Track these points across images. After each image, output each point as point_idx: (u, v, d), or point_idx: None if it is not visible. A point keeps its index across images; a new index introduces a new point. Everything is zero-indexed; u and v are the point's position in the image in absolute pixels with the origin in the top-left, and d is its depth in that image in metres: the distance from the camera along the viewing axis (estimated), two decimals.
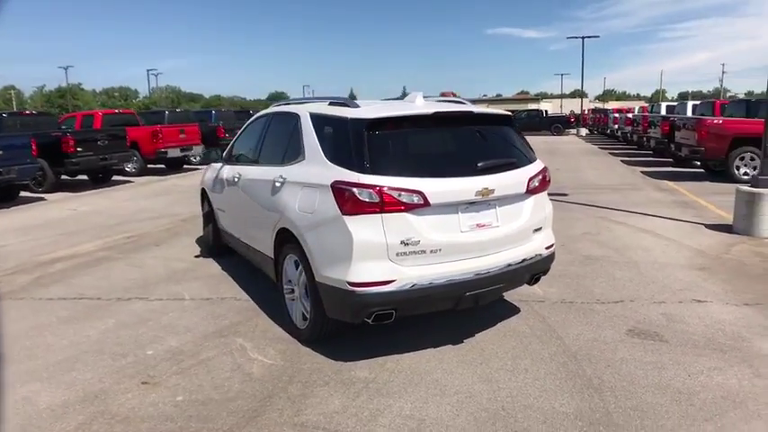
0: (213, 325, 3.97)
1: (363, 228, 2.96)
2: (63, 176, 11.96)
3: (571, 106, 60.25)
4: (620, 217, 7.55)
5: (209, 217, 5.78)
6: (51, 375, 3.23)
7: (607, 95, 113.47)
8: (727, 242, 5.95)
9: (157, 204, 9.68)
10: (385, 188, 2.94)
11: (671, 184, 10.76)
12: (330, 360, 3.33)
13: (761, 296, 4.25)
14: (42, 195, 11.27)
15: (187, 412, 2.78)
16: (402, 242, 2.98)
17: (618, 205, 8.43)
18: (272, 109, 4.68)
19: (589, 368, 3.16)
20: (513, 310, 4.10)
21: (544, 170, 3.63)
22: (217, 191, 5.44)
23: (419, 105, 3.57)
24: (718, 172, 11.15)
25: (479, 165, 3.25)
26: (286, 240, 3.71)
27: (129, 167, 13.61)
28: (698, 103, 16.73)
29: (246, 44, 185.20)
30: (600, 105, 73.37)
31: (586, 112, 44.55)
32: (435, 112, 3.32)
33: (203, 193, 6.07)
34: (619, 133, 23.30)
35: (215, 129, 16.56)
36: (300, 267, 3.49)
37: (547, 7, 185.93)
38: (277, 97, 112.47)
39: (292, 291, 3.73)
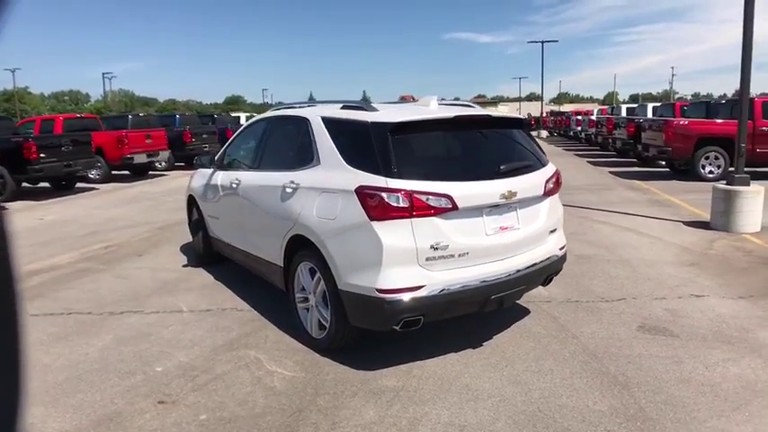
0: (220, 338, 3.82)
1: (393, 233, 2.91)
2: (23, 184, 11.32)
3: (528, 109, 61.75)
4: (601, 216, 7.76)
5: (199, 225, 5.58)
6: (55, 398, 3.01)
7: (561, 98, 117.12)
8: (708, 238, 6.22)
9: (129, 212, 9.29)
10: (415, 192, 2.90)
11: (641, 183, 11.18)
12: (353, 369, 3.25)
13: (752, 289, 4.44)
14: (2, 204, 10.59)
15: (219, 429, 2.65)
16: (432, 247, 2.95)
17: (595, 205, 8.68)
18: (272, 113, 4.56)
19: (611, 365, 3.21)
20: (523, 311, 4.13)
21: (557, 173, 3.68)
22: (209, 198, 5.25)
23: (434, 109, 3.55)
24: (684, 171, 11.66)
25: (502, 168, 3.25)
26: (299, 248, 3.61)
27: (92, 174, 13.00)
28: (658, 105, 17.49)
29: (202, 47, 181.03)
30: (555, 108, 75.93)
31: (545, 114, 45.82)
32: (456, 116, 3.31)
33: (191, 201, 5.86)
34: (582, 135, 24.05)
35: (181, 133, 16.07)
36: (318, 275, 3.39)
37: (502, 12, 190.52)
38: (234, 101, 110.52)
39: (306, 300, 3.62)
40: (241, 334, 3.88)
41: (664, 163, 13.12)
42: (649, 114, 16.70)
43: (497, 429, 2.60)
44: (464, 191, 3.01)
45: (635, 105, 21.55)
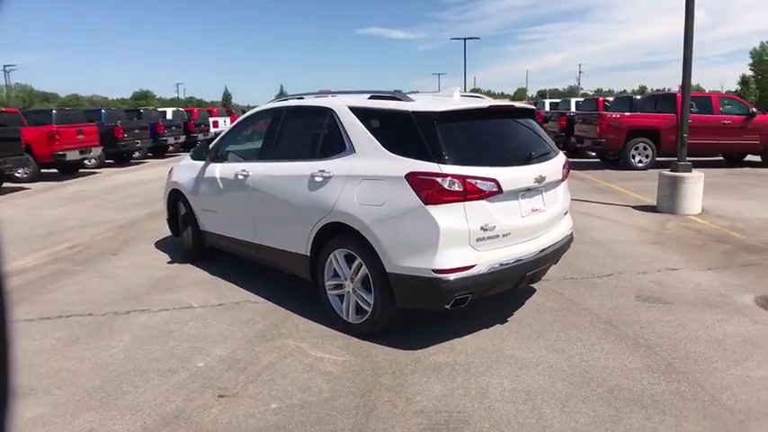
0: (249, 330, 3.77)
1: (447, 216, 3.06)
2: None
3: None
4: None
5: (188, 220, 5.37)
6: (103, 402, 2.86)
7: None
8: (659, 220, 6.95)
9: (76, 212, 8.62)
10: (467, 177, 3.07)
11: (580, 173, 12.10)
12: (399, 350, 3.37)
13: (714, 262, 5.09)
14: None
15: (294, 418, 2.66)
16: (481, 228, 3.14)
17: None
18: (281, 104, 4.50)
19: (628, 330, 3.59)
20: (530, 289, 4.44)
21: (567, 159, 4.01)
22: (202, 192, 5.08)
23: (458, 100, 3.73)
24: (613, 161, 12.78)
25: (532, 154, 3.51)
26: (332, 235, 3.65)
27: (20, 173, 11.81)
28: (581, 100, 18.90)
29: (106, 39, 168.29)
30: None
31: None
32: (490, 106, 3.53)
33: (174, 196, 5.61)
34: None
35: (112, 129, 14.99)
36: (358, 261, 3.47)
37: (413, 9, 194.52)
38: (143, 96, 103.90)
39: (339, 286, 3.68)
40: (268, 325, 3.85)
41: (594, 154, 14.28)
42: (573, 109, 18.04)
43: (558, 390, 2.86)
44: (506, 175, 3.23)
45: (558, 101, 23.08)
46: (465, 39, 50.72)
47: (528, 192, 3.44)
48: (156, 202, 9.34)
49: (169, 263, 5.52)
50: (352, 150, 3.56)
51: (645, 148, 11.73)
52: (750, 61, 45.14)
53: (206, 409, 2.76)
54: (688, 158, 7.22)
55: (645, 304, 4.06)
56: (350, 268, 3.57)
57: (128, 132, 15.28)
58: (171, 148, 19.48)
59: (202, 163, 5.15)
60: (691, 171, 7.14)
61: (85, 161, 14.03)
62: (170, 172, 5.85)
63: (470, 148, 3.33)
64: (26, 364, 3.29)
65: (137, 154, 16.84)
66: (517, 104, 3.85)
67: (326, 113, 3.87)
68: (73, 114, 14.35)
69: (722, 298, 4.14)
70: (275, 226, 4.19)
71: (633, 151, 11.83)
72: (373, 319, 3.46)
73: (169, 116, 20.72)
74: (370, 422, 2.61)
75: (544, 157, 3.64)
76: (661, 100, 12.41)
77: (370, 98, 3.74)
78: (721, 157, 12.75)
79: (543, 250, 3.54)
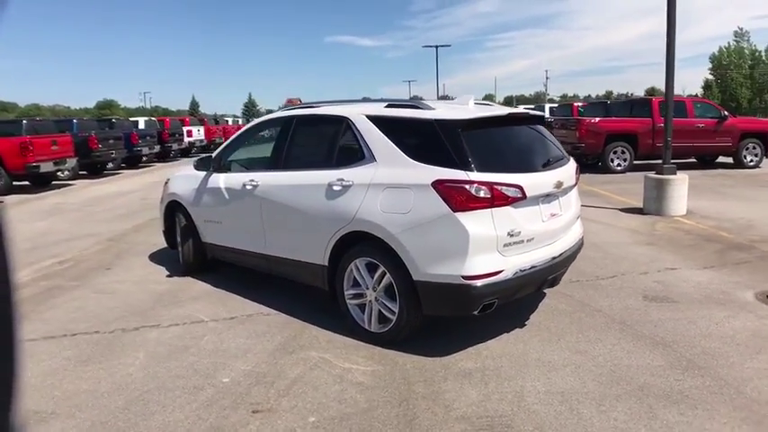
0: (268, 343, 3.70)
1: (476, 223, 3.09)
2: None
3: None
4: None
5: (188, 232, 5.24)
6: (132, 423, 2.75)
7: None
8: (648, 222, 7.17)
9: (59, 226, 8.31)
10: (494, 184, 3.11)
11: None
12: (426, 358, 3.38)
13: (709, 261, 5.28)
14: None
15: (341, 429, 2.63)
16: (508, 234, 3.18)
17: None
18: (290, 113, 4.46)
19: (643, 329, 3.69)
20: (541, 292, 4.51)
21: (578, 165, 4.11)
22: (204, 203, 4.98)
23: (474, 108, 3.78)
24: (592, 165, 13.14)
25: (549, 159, 3.59)
26: (351, 245, 3.64)
27: None
28: (555, 106, 19.40)
29: (68, 47, 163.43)
30: None
31: None
32: (510, 113, 3.59)
33: (172, 208, 5.49)
34: None
35: (86, 139, 14.55)
36: (381, 269, 3.46)
37: (381, 17, 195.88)
38: (107, 105, 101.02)
39: (360, 296, 3.66)
40: (287, 337, 3.79)
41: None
42: (547, 115, 18.50)
43: (590, 390, 2.91)
44: (529, 181, 3.29)
45: (532, 107, 23.63)
46: (437, 46, 51.36)
47: (547, 197, 3.51)
48: (140, 213, 9.14)
49: (168, 276, 5.39)
50: (372, 159, 3.56)
51: (623, 152, 12.11)
52: (710, 66, 47.12)
53: (243, 426, 2.70)
54: (659, 161, 7.48)
55: (653, 304, 4.18)
56: (372, 277, 3.55)
57: (102, 143, 14.85)
58: (145, 158, 19.04)
59: (203, 174, 5.06)
60: (675, 173, 7.41)
61: (59, 173, 13.55)
62: (167, 183, 5.72)
63: (494, 155, 3.38)
64: (39, 386, 3.16)
65: (110, 165, 16.36)
66: (533, 112, 3.93)
67: (342, 122, 3.86)
68: (44, 124, 13.88)
69: (724, 295, 4.29)
70: (288, 236, 4.14)
71: (612, 155, 12.19)
72: (398, 328, 3.46)
73: (142, 126, 20.25)
74: (415, 431, 2.60)
75: (560, 162, 3.72)
76: (637, 105, 12.85)
77: (387, 107, 3.75)
78: (694, 159, 13.27)
79: (561, 254, 3.61)
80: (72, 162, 13.25)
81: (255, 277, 5.03)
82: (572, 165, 3.90)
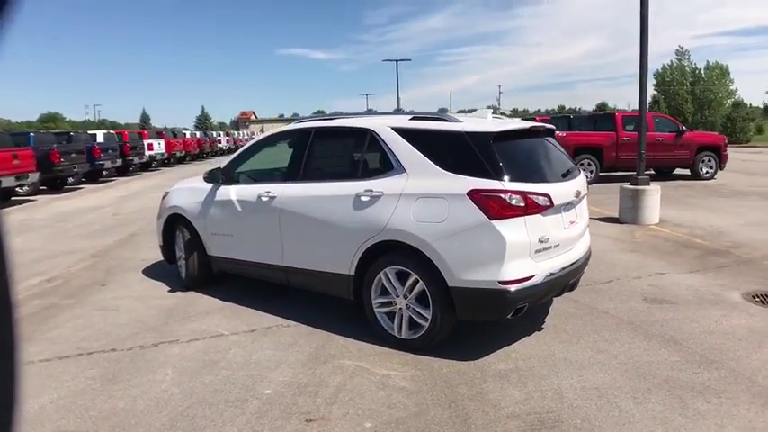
0: (298, 353, 3.71)
1: (512, 230, 3.26)
2: None
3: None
4: None
5: (193, 246, 5.16)
6: None
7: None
8: (626, 230, 7.61)
9: (33, 243, 7.91)
10: (527, 193, 3.30)
11: None
12: (460, 361, 3.49)
13: (692, 266, 5.68)
14: None
15: None
16: (539, 240, 3.37)
17: None
18: (306, 125, 4.51)
19: (652, 329, 3.95)
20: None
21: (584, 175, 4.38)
22: (212, 216, 4.92)
23: (492, 121, 3.98)
24: None
25: (569, 170, 3.82)
26: (380, 253, 3.72)
27: None
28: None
29: (6, 59, 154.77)
30: None
31: None
32: (532, 126, 3.81)
33: (172, 222, 5.39)
34: None
35: (48, 153, 13.90)
36: (414, 277, 3.56)
37: (334, 30, 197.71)
38: (51, 119, 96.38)
39: (389, 304, 3.75)
40: (315, 347, 3.81)
41: None
42: None
43: (622, 385, 3.11)
44: (555, 190, 3.50)
45: None
46: (397, 60, 52.33)
47: (567, 205, 3.73)
48: (117, 229, 8.85)
49: (170, 291, 5.27)
50: (402, 170, 3.68)
51: (589, 165, 12.75)
52: (654, 82, 50.01)
53: None
54: (621, 173, 7.98)
55: (654, 305, 4.47)
56: (402, 285, 3.65)
57: (64, 156, 14.23)
58: (105, 172, 18.35)
59: (210, 186, 5.01)
60: (649, 184, 7.91)
61: (18, 188, 12.88)
62: (166, 196, 5.62)
63: (522, 166, 3.57)
64: (71, 407, 3.05)
65: (71, 180, 15.66)
66: (548, 126, 4.17)
67: (365, 134, 3.97)
68: (1, 138, 13.17)
69: (715, 296, 4.65)
70: (310, 247, 4.17)
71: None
72: (431, 334, 3.55)
73: (100, 139, 19.49)
74: (475, 429, 2.70)
75: (575, 173, 3.97)
76: (601, 119, 13.58)
77: (411, 119, 3.89)
78: (653, 172, 14.11)
79: (579, 259, 3.83)
80: (34, 177, 12.63)
81: (263, 290, 5.02)
82: (583, 176, 4.15)
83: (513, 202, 3.26)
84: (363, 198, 3.77)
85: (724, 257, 5.91)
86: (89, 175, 16.94)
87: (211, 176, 4.95)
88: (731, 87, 44.90)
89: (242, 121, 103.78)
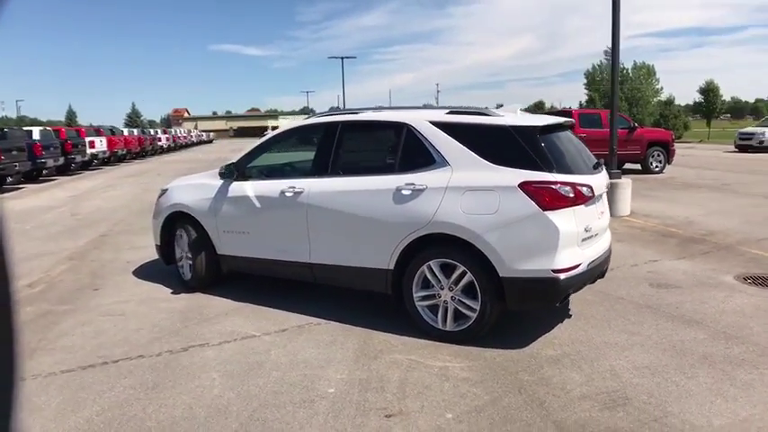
0: (344, 351, 3.64)
1: (563, 220, 3.36)
2: None
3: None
4: None
5: (200, 245, 4.91)
6: None
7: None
8: None
9: None
10: (576, 184, 3.41)
11: None
12: (509, 350, 3.56)
13: (678, 253, 6.08)
14: None
15: (482, 422, 2.71)
16: (585, 229, 3.50)
17: None
18: (330, 119, 4.40)
19: (670, 311, 4.21)
20: None
21: None
22: (225, 212, 4.70)
23: (522, 116, 4.08)
24: None
25: (597, 163, 3.98)
26: (421, 247, 3.72)
27: None
28: None
29: None
30: None
31: None
32: (564, 121, 3.94)
33: (172, 221, 5.12)
34: None
35: None
36: (460, 269, 3.58)
37: (267, 26, 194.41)
38: None
39: (431, 297, 3.75)
40: (359, 344, 3.75)
41: None
42: None
43: (667, 363, 3.29)
44: (594, 182, 3.65)
45: None
46: (342, 57, 52.14)
47: (599, 197, 3.90)
48: (82, 230, 8.28)
49: (174, 293, 4.99)
50: (445, 163, 3.69)
51: None
52: (585, 81, 52.79)
53: (387, 430, 2.67)
54: None
55: (662, 290, 4.77)
56: (447, 277, 3.66)
57: (5, 154, 13.04)
58: (45, 171, 17.01)
59: (219, 182, 4.79)
60: (621, 178, 8.38)
61: None
62: (164, 194, 5.31)
63: (565, 158, 3.68)
64: (122, 418, 2.83)
65: (10, 179, 14.38)
66: (572, 120, 4.33)
67: (402, 128, 3.94)
68: None
69: (712, 280, 5.02)
70: (343, 243, 4.09)
71: None
72: (479, 324, 3.60)
73: (36, 136, 17.98)
74: (552, 413, 2.77)
75: (601, 165, 4.15)
76: (558, 116, 14.16)
77: (448, 113, 3.91)
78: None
79: (608, 247, 4.02)
80: None
81: (273, 288, 4.91)
82: (604, 169, 4.36)
83: (564, 193, 3.37)
84: (405, 192, 3.75)
85: (703, 245, 6.39)
86: (28, 175, 15.62)
87: (225, 173, 4.72)
88: (657, 86, 48.30)
89: (175, 119, 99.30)
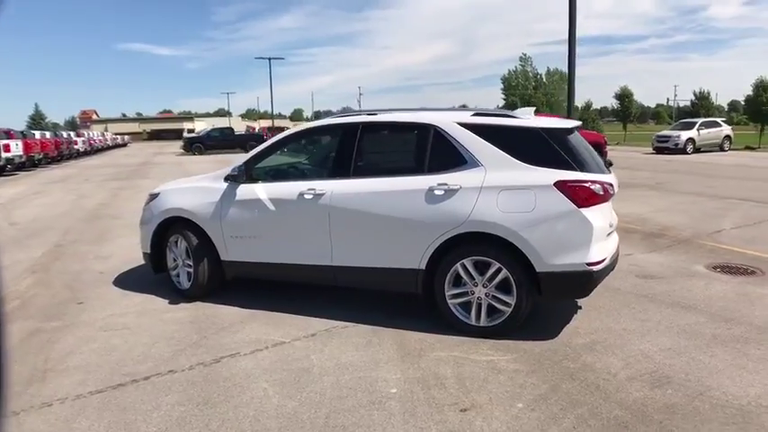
0: (386, 351, 3.63)
1: (595, 216, 3.59)
2: None
3: (222, 124, 57.42)
4: None
5: (202, 252, 4.66)
6: None
7: (251, 114, 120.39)
8: None
9: None
10: (604, 183, 3.66)
11: None
12: (543, 341, 3.72)
13: (647, 247, 6.63)
14: None
15: (553, 407, 2.84)
16: (609, 224, 3.75)
17: None
18: (351, 119, 4.35)
19: (664, 298, 4.60)
20: None
21: None
22: (234, 216, 4.51)
23: (542, 119, 4.30)
24: None
25: (606, 162, 4.27)
26: (454, 246, 3.80)
27: None
28: None
29: None
30: (250, 124, 79.77)
31: (257, 130, 49.32)
32: (578, 124, 4.19)
33: (165, 227, 4.84)
34: None
35: None
36: (495, 266, 3.70)
37: (180, 26, 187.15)
38: None
39: (464, 294, 3.84)
40: (396, 344, 3.75)
41: None
42: None
43: (687, 344, 3.62)
44: (613, 180, 3.92)
45: None
46: (270, 58, 51.22)
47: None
48: (28, 240, 7.58)
49: (172, 303, 4.71)
50: (477, 164, 3.80)
51: None
52: (502, 86, 55.65)
53: (470, 423, 2.72)
54: None
55: (649, 280, 5.19)
56: (482, 274, 3.77)
57: None
58: None
59: (224, 185, 4.59)
60: None
61: None
62: (155, 199, 4.99)
63: (586, 158, 3.92)
64: None
65: None
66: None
67: (428, 129, 4.00)
68: None
69: (686, 270, 5.54)
70: (370, 244, 4.06)
71: None
72: (514, 319, 3.74)
73: None
74: (610, 395, 2.96)
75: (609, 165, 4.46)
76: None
77: (474, 115, 4.03)
78: None
79: (617, 242, 4.33)
80: None
81: (278, 293, 4.83)
82: None
83: (596, 190, 3.60)
84: (438, 192, 3.81)
85: (664, 239, 7.01)
86: None
87: (234, 176, 4.51)
88: None
89: (83, 121, 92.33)
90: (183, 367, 3.45)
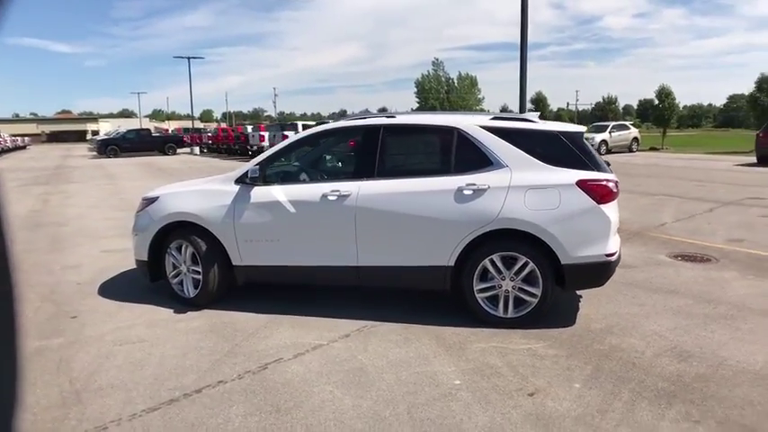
0: (428, 347, 3.74)
1: (611, 212, 3.95)
2: None
3: (125, 126, 54.04)
4: None
5: (211, 257, 4.48)
6: None
7: (158, 115, 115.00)
8: None
9: None
10: (617, 181, 4.03)
11: None
12: (564, 329, 4.01)
13: None
14: None
15: (606, 387, 3.11)
16: (618, 220, 4.13)
17: None
18: (372, 122, 4.39)
19: (647, 285, 5.12)
20: None
21: None
22: (249, 220, 4.38)
23: (549, 122, 4.61)
24: None
25: (605, 161, 4.68)
26: (482, 242, 4.00)
27: None
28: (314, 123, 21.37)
29: None
30: (158, 124, 76.58)
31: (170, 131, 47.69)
32: (584, 129, 4.55)
33: (164, 233, 4.62)
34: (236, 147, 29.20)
35: None
36: (522, 260, 3.95)
37: (78, 21, 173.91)
38: None
39: (491, 288, 4.05)
40: (433, 339, 3.86)
41: None
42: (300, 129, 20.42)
43: (689, 323, 4.07)
44: (618, 179, 4.32)
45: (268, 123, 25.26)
46: (189, 57, 48.78)
47: None
48: None
49: (178, 312, 4.50)
50: (502, 165, 4.02)
51: None
52: (415, 90, 57.51)
53: (543, 405, 2.91)
54: None
55: (628, 269, 5.71)
56: (509, 269, 4.00)
57: None
58: None
59: (235, 188, 4.46)
60: None
61: None
62: (153, 203, 4.71)
63: (599, 160, 4.27)
64: None
65: None
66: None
67: (452, 131, 4.17)
68: None
69: (653, 259, 6.16)
70: (400, 243, 4.14)
71: None
72: (540, 309, 4.00)
73: None
74: (648, 369, 3.29)
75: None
76: None
77: (493, 119, 4.25)
78: None
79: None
80: None
81: (288, 296, 4.82)
82: None
83: (611, 188, 3.97)
84: (466, 192, 3.99)
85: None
86: None
87: (249, 178, 4.38)
88: (479, 96, 54.79)
89: None
90: (231, 377, 3.32)
